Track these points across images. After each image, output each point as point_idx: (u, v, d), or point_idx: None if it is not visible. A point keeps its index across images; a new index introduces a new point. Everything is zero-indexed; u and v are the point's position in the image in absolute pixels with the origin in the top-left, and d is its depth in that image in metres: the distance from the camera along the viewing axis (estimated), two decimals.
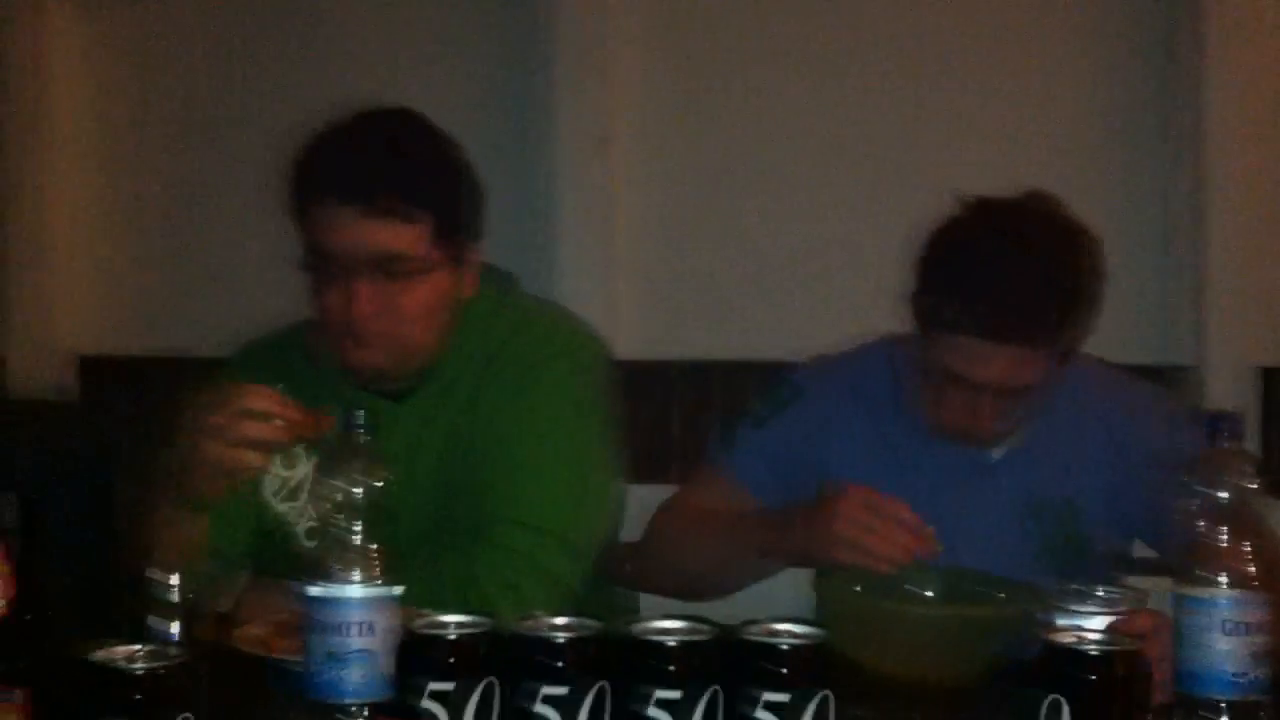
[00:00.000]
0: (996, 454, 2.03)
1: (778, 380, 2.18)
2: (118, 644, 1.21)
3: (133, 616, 1.50)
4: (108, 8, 3.15)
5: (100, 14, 3.15)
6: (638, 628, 1.24)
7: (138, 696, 1.17)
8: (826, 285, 2.92)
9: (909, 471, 2.02)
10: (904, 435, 2.03)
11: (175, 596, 1.62)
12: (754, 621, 1.25)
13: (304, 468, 2.00)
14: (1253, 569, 1.40)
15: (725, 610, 1.90)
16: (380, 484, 1.39)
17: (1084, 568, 1.99)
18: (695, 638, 1.23)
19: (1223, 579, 1.40)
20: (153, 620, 1.54)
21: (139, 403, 3.06)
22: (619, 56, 2.96)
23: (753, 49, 2.96)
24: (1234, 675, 1.37)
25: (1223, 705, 1.37)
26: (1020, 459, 2.02)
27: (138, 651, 1.20)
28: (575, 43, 2.92)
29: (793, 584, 1.98)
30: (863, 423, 2.05)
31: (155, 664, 1.18)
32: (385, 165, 1.86)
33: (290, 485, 2.01)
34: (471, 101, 3.01)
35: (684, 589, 2.05)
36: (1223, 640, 1.38)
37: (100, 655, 1.19)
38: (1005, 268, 1.86)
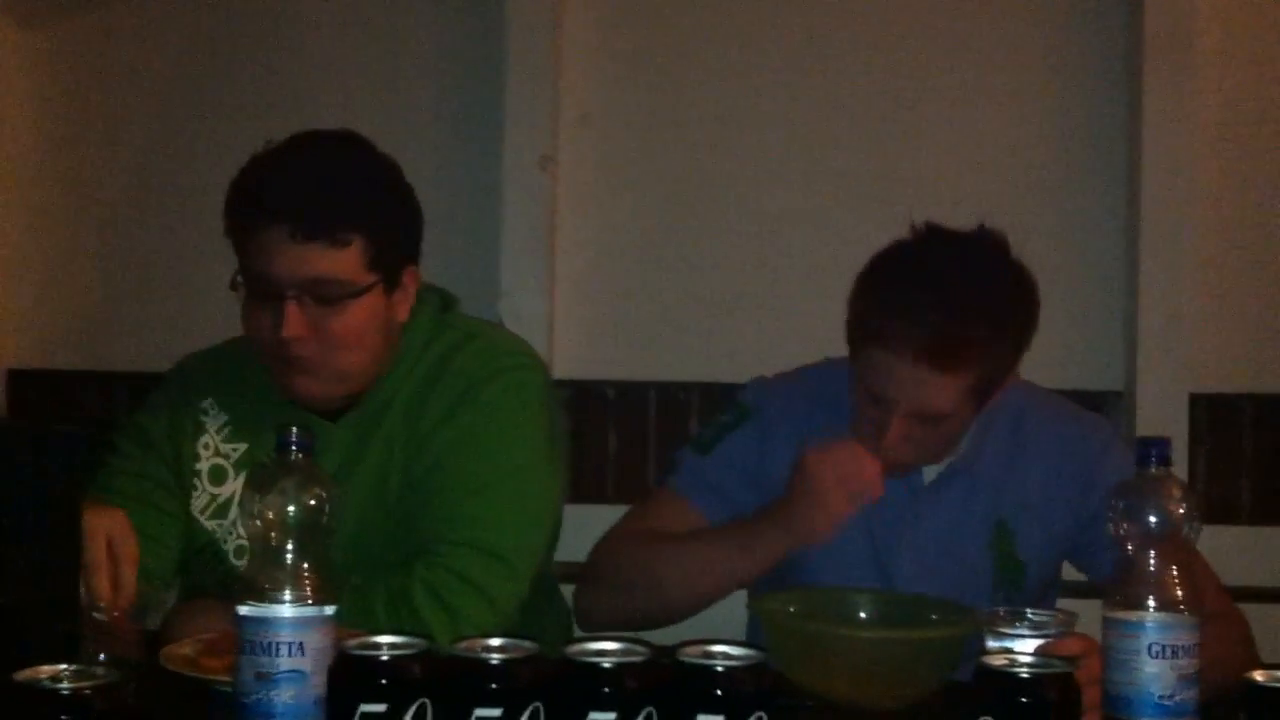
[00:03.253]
0: (930, 474, 2.04)
1: (724, 404, 2.18)
2: (43, 664, 1.19)
3: (68, 636, 1.48)
4: (49, 21, 3.12)
5: (40, 28, 3.12)
6: (573, 649, 1.24)
7: (64, 717, 1.15)
8: (769, 307, 2.93)
9: None
10: None
11: (103, 615, 1.60)
12: (690, 643, 1.25)
13: (232, 485, 1.99)
14: (1180, 593, 1.43)
15: (661, 632, 1.90)
16: (314, 503, 1.38)
17: (1017, 589, 2.01)
18: (631, 659, 1.22)
19: (1151, 602, 1.42)
20: (85, 641, 1.53)
21: (70, 419, 3.03)
22: (564, 75, 2.96)
23: (700, 71, 2.97)
24: (1161, 697, 1.39)
25: None
26: (957, 480, 2.03)
27: (63, 671, 1.19)
28: (521, 62, 2.92)
29: (729, 606, 1.98)
30: (810, 437, 2.06)
31: (81, 684, 1.17)
32: (316, 188, 1.85)
33: (218, 502, 1.99)
34: (416, 120, 3.00)
35: (647, 616, 2.00)
36: (1151, 663, 1.40)
37: (25, 675, 1.17)
38: (934, 292, 1.87)
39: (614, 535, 2.10)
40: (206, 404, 2.02)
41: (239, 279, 1.89)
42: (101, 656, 1.55)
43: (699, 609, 2.01)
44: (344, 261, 1.85)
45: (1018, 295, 1.94)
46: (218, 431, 2.01)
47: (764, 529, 1.94)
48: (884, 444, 1.91)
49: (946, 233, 1.95)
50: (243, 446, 2.00)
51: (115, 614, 1.64)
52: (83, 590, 1.60)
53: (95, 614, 1.61)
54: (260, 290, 1.86)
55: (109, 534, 1.68)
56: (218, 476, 1.99)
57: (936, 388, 1.87)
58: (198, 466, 1.99)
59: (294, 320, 1.83)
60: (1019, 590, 2.02)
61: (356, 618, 1.62)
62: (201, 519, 1.98)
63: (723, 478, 2.08)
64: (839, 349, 2.08)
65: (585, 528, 2.16)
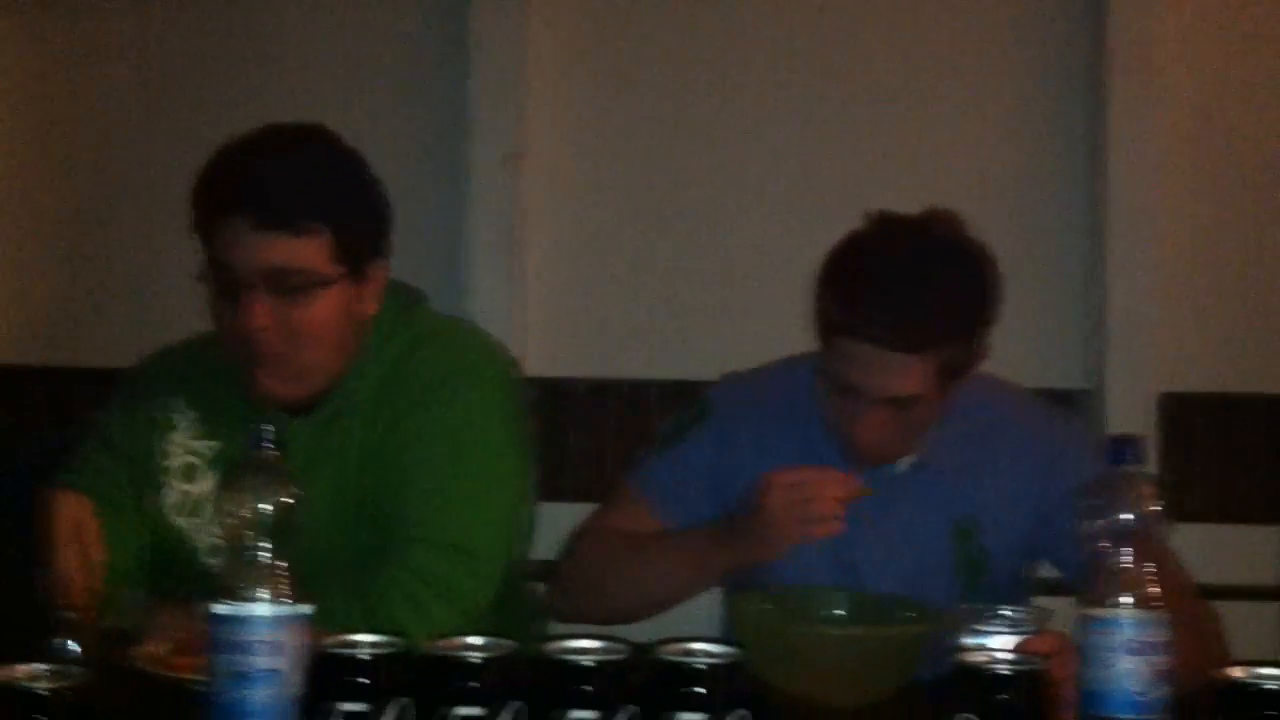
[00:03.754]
0: (901, 467, 2.04)
1: (688, 401, 2.18)
2: (18, 664, 1.18)
3: (37, 635, 1.46)
4: (21, 15, 3.09)
5: (12, 21, 3.09)
6: (554, 648, 1.24)
7: (38, 717, 1.14)
8: (737, 305, 2.93)
9: None
10: (817, 451, 2.04)
11: (72, 614, 1.59)
12: (671, 640, 1.25)
13: (205, 483, 1.97)
14: (1155, 590, 1.43)
15: (642, 630, 1.90)
16: (289, 500, 1.37)
17: (989, 584, 2.02)
18: (612, 657, 1.22)
19: (1125, 599, 1.42)
20: (55, 639, 1.51)
21: (31, 416, 3.00)
22: (533, 72, 2.95)
23: (671, 69, 2.97)
24: (1137, 695, 1.40)
25: None
26: (924, 474, 2.04)
27: (38, 671, 1.17)
28: (489, 58, 2.91)
29: (706, 604, 1.98)
30: (775, 439, 2.06)
31: (58, 684, 1.16)
32: (281, 179, 1.85)
33: (191, 500, 1.97)
34: (382, 115, 2.99)
35: (610, 615, 2.01)
36: (1126, 660, 1.40)
37: (1, 675, 1.16)
38: (894, 275, 1.88)
39: (579, 534, 2.11)
40: (174, 401, 2.01)
41: (206, 272, 1.88)
42: (69, 644, 1.53)
43: (657, 613, 2.02)
44: (307, 252, 1.84)
45: (974, 273, 1.95)
46: (187, 429, 1.99)
47: (717, 546, 1.95)
48: (857, 432, 1.92)
49: (899, 218, 1.97)
50: (215, 444, 1.98)
51: (84, 599, 1.62)
52: (45, 576, 1.59)
53: (61, 610, 1.59)
54: (225, 282, 1.85)
55: (74, 519, 1.66)
56: (189, 474, 1.97)
57: (905, 370, 1.88)
58: (167, 464, 1.97)
59: (257, 311, 1.82)
60: (981, 585, 2.02)
61: (325, 618, 1.60)
62: (173, 516, 1.96)
63: (679, 478, 2.08)
64: (808, 349, 2.08)
65: (553, 526, 2.16)
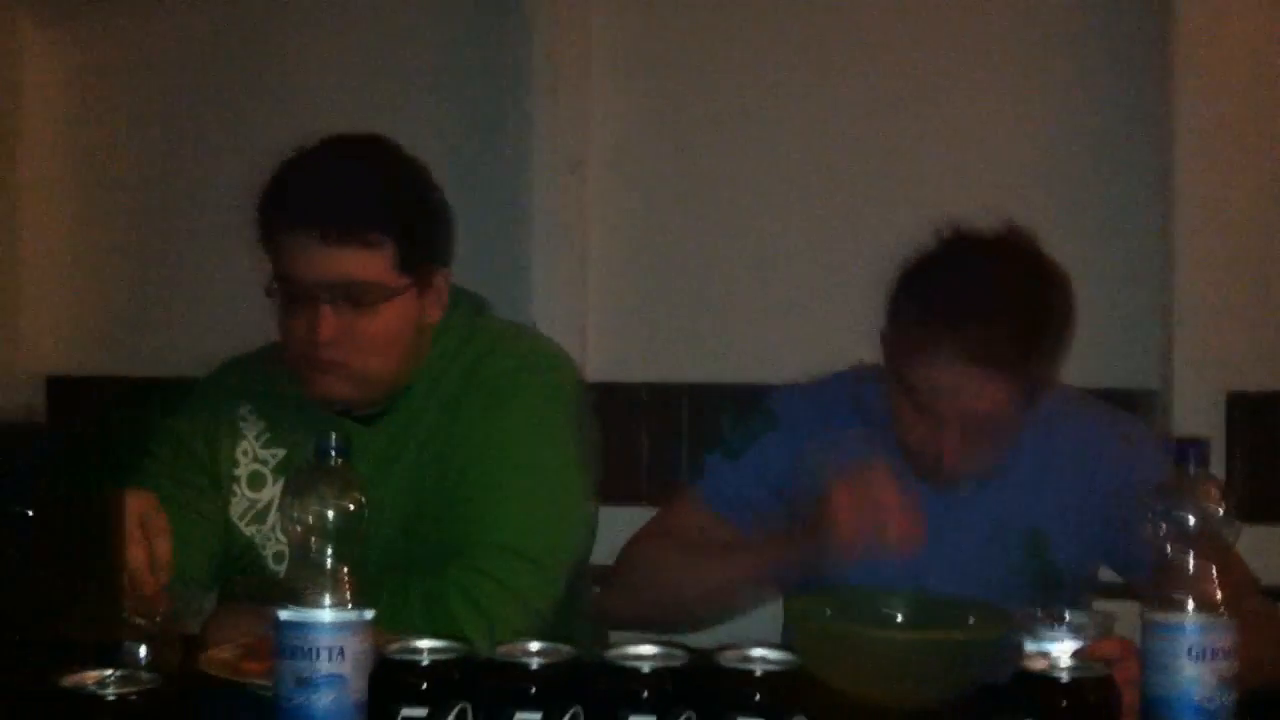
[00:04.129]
0: (964, 485, 2.03)
1: (752, 409, 2.17)
2: (89, 669, 1.20)
3: (103, 639, 1.49)
4: (85, 30, 3.14)
5: (77, 36, 3.15)
6: (612, 653, 1.24)
7: None
8: (798, 309, 2.93)
9: None
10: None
11: (143, 617, 1.61)
12: (728, 647, 1.25)
13: (271, 490, 2.00)
14: (1219, 595, 1.42)
15: (699, 636, 1.90)
16: (352, 507, 1.38)
17: (1053, 595, 2.00)
18: (670, 663, 1.23)
19: (1190, 604, 1.41)
20: (124, 643, 1.54)
21: (107, 423, 3.05)
22: (595, 80, 2.97)
23: (729, 75, 2.97)
24: (1200, 700, 1.38)
25: None
26: (990, 489, 2.02)
27: (108, 677, 1.20)
28: (551, 66, 2.93)
29: (765, 609, 1.98)
30: (844, 452, 2.05)
31: (126, 689, 1.18)
32: (347, 192, 1.86)
33: (258, 508, 2.00)
34: (446, 124, 3.01)
35: (664, 621, 2.01)
36: (1189, 665, 1.39)
37: (71, 681, 1.18)
38: (973, 297, 1.87)
39: (638, 537, 2.10)
40: (245, 410, 2.03)
41: (274, 285, 1.90)
42: (138, 649, 1.56)
43: (716, 621, 2.01)
44: (375, 264, 1.86)
45: (1053, 290, 1.94)
46: (256, 438, 2.02)
47: (781, 554, 1.92)
48: (943, 453, 1.91)
49: (973, 236, 1.95)
50: (281, 452, 2.01)
51: (153, 591, 1.64)
52: (116, 574, 1.61)
53: (134, 614, 1.62)
54: (294, 295, 1.87)
55: (139, 512, 1.69)
56: (256, 482, 2.00)
57: (988, 391, 1.87)
58: (236, 472, 2.00)
59: (328, 323, 1.85)
60: (1056, 593, 2.01)
61: (391, 621, 1.62)
62: (240, 524, 1.99)
63: (747, 486, 2.07)
64: (869, 351, 2.07)
65: (616, 530, 2.16)
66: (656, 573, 2.03)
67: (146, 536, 1.67)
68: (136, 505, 1.69)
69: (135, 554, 1.65)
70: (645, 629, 1.95)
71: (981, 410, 1.89)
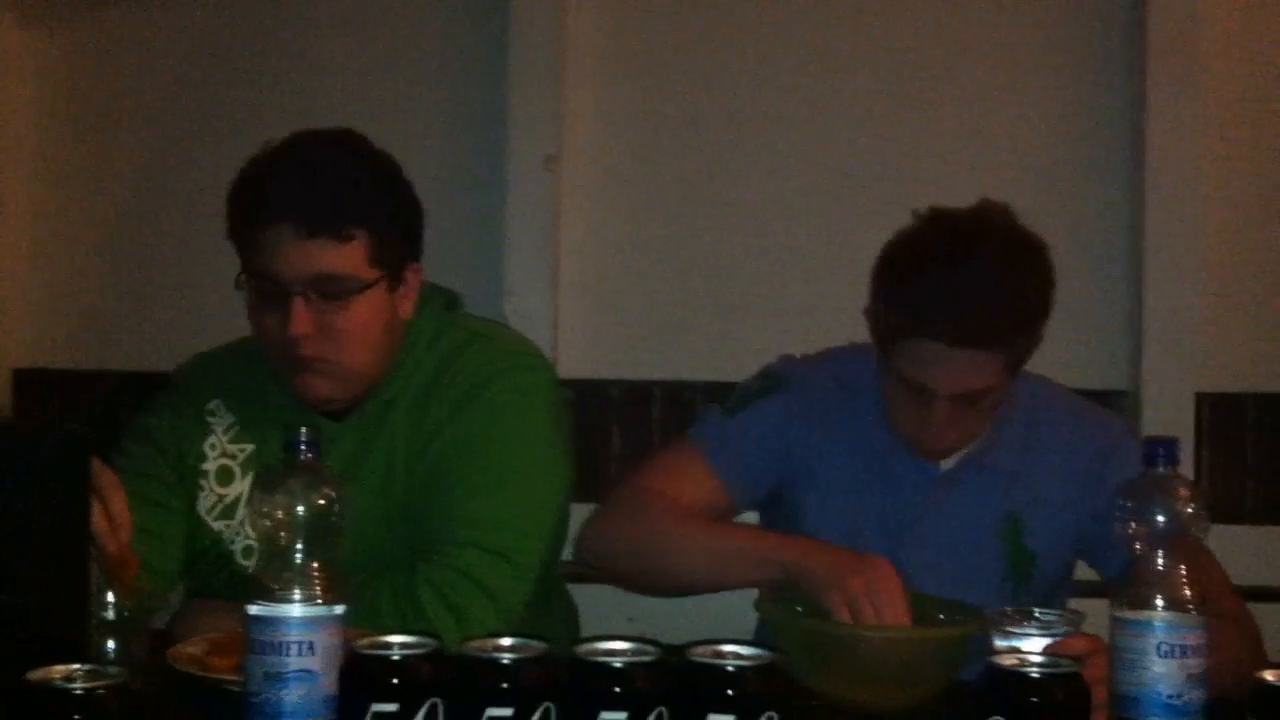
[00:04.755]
0: (948, 464, 2.04)
1: (759, 372, 2.17)
2: (56, 664, 1.19)
3: (72, 634, 1.48)
4: (62, 21, 3.12)
5: (54, 27, 3.13)
6: (584, 649, 1.24)
7: (76, 717, 1.15)
8: (774, 306, 2.93)
9: (868, 478, 2.04)
10: (868, 443, 2.05)
11: (111, 614, 1.60)
12: (701, 643, 1.25)
13: (239, 485, 1.99)
14: (1189, 592, 1.42)
15: (672, 631, 1.90)
16: (323, 503, 1.38)
17: (1026, 582, 2.01)
18: (642, 659, 1.23)
19: (1159, 602, 1.42)
20: (93, 638, 1.53)
21: (75, 417, 3.03)
22: (569, 75, 2.96)
23: (703, 70, 2.97)
24: (1169, 698, 1.39)
25: None
26: (972, 470, 2.04)
27: (76, 671, 1.19)
28: (526, 61, 2.92)
29: (738, 605, 1.98)
30: (840, 420, 2.06)
31: (94, 684, 1.17)
32: (319, 185, 1.86)
33: (226, 503, 1.99)
34: (421, 119, 3.01)
35: (642, 585, 2.01)
36: (1158, 663, 1.39)
37: (38, 675, 1.18)
38: (956, 273, 1.88)
39: (634, 485, 2.06)
40: (214, 405, 2.03)
41: (243, 279, 1.89)
42: (110, 645, 1.55)
43: (695, 594, 2.01)
44: (349, 257, 1.85)
45: (1034, 263, 1.95)
46: (225, 432, 2.01)
47: (779, 552, 1.89)
48: (927, 431, 1.94)
49: (952, 215, 1.97)
50: (249, 447, 2.00)
51: (119, 551, 1.63)
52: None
53: (109, 582, 1.60)
54: (266, 290, 1.86)
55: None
56: (225, 477, 1.99)
57: (975, 366, 1.89)
58: (204, 467, 2.00)
59: (301, 318, 1.84)
60: (1028, 582, 2.02)
61: (362, 618, 1.61)
62: (208, 519, 1.98)
63: (744, 444, 2.07)
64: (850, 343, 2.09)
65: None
66: (653, 543, 1.99)
67: (100, 496, 1.64)
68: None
69: (97, 520, 1.62)
70: (623, 586, 1.96)
71: (969, 386, 1.91)
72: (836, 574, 1.78)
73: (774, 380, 2.11)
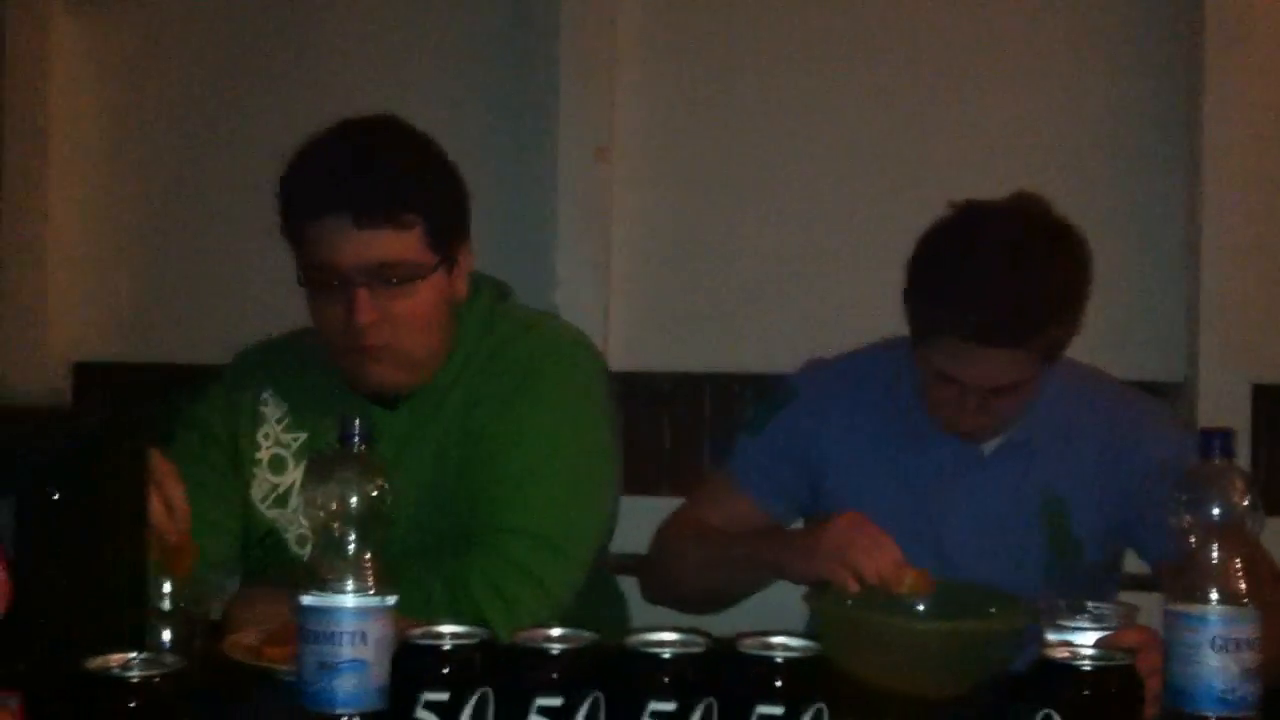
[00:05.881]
0: (988, 448, 2.04)
1: (774, 385, 2.19)
2: (113, 652, 1.21)
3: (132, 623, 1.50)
4: (112, 14, 3.15)
5: (104, 20, 3.15)
6: (633, 639, 1.24)
7: (133, 705, 1.17)
8: (824, 296, 2.92)
9: (906, 467, 2.04)
10: (902, 432, 2.05)
11: (167, 604, 1.62)
12: (749, 634, 1.25)
13: (293, 474, 2.01)
14: (1243, 585, 1.41)
15: (721, 623, 1.90)
16: (375, 493, 1.39)
17: (1074, 570, 2.00)
18: (690, 650, 1.23)
19: (1213, 595, 1.40)
20: (150, 627, 1.55)
21: (132, 409, 3.07)
22: (620, 66, 2.96)
23: (752, 61, 2.96)
24: (1223, 691, 1.38)
25: None
26: (1013, 454, 2.04)
27: (132, 659, 1.20)
28: (576, 51, 2.92)
29: (788, 597, 1.98)
30: (861, 418, 2.08)
31: (150, 672, 1.18)
32: (372, 173, 1.86)
33: (279, 492, 2.01)
34: (472, 109, 3.01)
35: (687, 603, 2.08)
36: (1213, 656, 1.38)
37: (96, 663, 1.19)
38: (991, 270, 1.87)
39: (671, 521, 2.15)
40: (266, 394, 2.04)
41: (304, 274, 1.90)
42: (166, 635, 1.56)
43: (723, 604, 2.07)
44: (408, 243, 1.86)
45: (1070, 256, 1.94)
46: (278, 421, 2.03)
47: (778, 550, 1.95)
48: (962, 421, 1.95)
49: (988, 208, 1.95)
50: (302, 436, 2.01)
51: (177, 540, 1.64)
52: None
53: (165, 570, 1.62)
54: (327, 281, 1.87)
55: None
56: (278, 466, 2.01)
57: (1010, 362, 1.89)
58: (258, 456, 2.01)
59: (365, 307, 1.85)
60: (1075, 568, 2.01)
61: (413, 606, 1.63)
62: (262, 508, 2.00)
63: (769, 458, 2.10)
64: (894, 335, 2.08)
65: (639, 519, 2.17)
66: (675, 560, 2.07)
67: (157, 485, 1.66)
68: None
69: (154, 507, 1.64)
70: (677, 609, 2.01)
71: (1001, 380, 1.91)
72: (812, 554, 1.84)
73: (785, 392, 2.15)
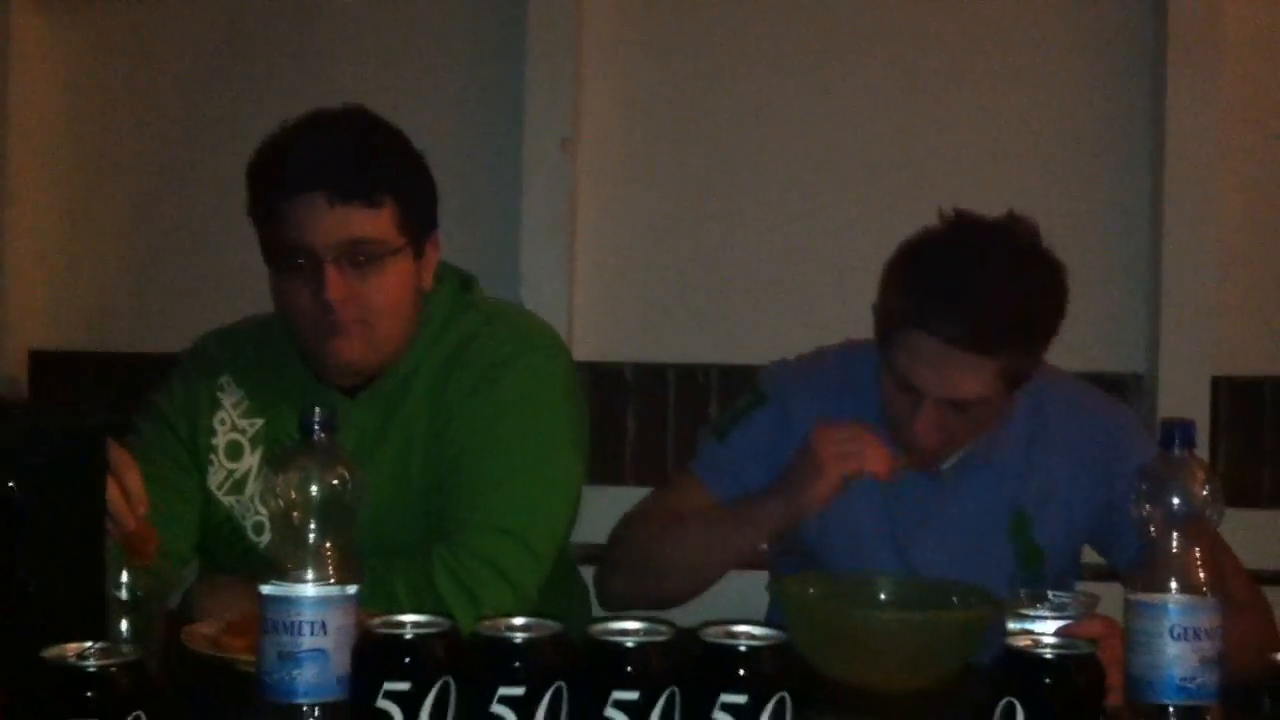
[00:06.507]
0: (949, 463, 2.03)
1: (743, 386, 2.18)
2: (70, 642, 1.20)
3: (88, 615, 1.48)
4: (78, 6, 3.13)
5: (70, 12, 3.13)
6: (596, 629, 1.24)
7: (89, 694, 1.15)
8: (788, 290, 2.92)
9: (876, 480, 2.03)
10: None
11: (125, 594, 1.61)
12: (712, 623, 1.25)
13: (249, 460, 1.99)
14: (1202, 575, 1.42)
15: (684, 612, 1.90)
16: (337, 483, 1.38)
17: (1036, 577, 2.01)
18: (654, 639, 1.22)
19: (1173, 585, 1.41)
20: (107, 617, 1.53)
21: (91, 399, 3.04)
22: (585, 57, 2.96)
23: (722, 53, 2.96)
24: (1183, 680, 1.39)
25: (1171, 710, 1.39)
26: (975, 469, 2.03)
27: (89, 649, 1.19)
28: (542, 42, 2.92)
29: (749, 589, 1.99)
30: (835, 420, 2.06)
31: (106, 662, 1.17)
32: (346, 154, 1.88)
33: (235, 478, 1.99)
34: (436, 100, 3.00)
35: (658, 589, 2.03)
36: (1172, 645, 1.39)
37: (52, 653, 1.18)
38: (967, 275, 1.87)
39: (630, 517, 2.11)
40: (223, 380, 2.03)
41: (276, 255, 1.89)
42: (124, 624, 1.55)
43: (705, 585, 2.03)
44: (378, 223, 1.87)
45: (1048, 283, 1.93)
46: (234, 407, 2.02)
47: (763, 500, 1.96)
48: (915, 430, 1.91)
49: (976, 220, 1.95)
50: (259, 422, 2.00)
51: (136, 526, 1.63)
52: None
53: (128, 558, 1.61)
54: (295, 262, 1.86)
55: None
56: (234, 452, 2.00)
57: (967, 373, 1.87)
58: (214, 442, 2.00)
59: (335, 283, 1.84)
60: (1038, 578, 2.01)
61: (377, 600, 1.62)
62: (219, 494, 1.99)
63: (740, 462, 2.07)
64: (858, 333, 2.08)
65: (603, 509, 2.17)
66: (648, 550, 2.04)
67: (115, 474, 1.65)
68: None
69: (111, 495, 1.63)
70: (643, 607, 1.97)
71: (960, 392, 1.89)
72: (814, 474, 1.89)
73: (758, 396, 2.12)
